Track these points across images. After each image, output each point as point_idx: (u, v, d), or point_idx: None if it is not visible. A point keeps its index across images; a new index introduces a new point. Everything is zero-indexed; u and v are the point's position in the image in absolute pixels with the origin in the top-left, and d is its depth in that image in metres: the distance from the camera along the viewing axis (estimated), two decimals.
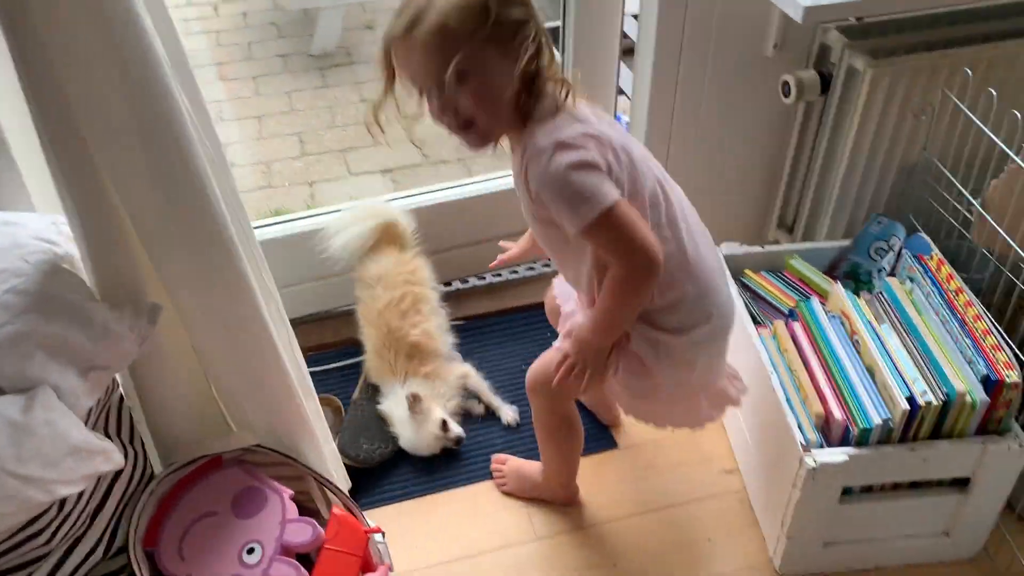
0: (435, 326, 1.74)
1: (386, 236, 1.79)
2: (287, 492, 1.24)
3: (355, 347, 1.84)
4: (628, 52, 1.83)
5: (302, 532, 1.19)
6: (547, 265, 2.10)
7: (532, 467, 1.59)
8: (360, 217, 1.78)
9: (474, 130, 1.13)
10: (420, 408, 1.60)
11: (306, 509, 1.34)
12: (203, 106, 1.16)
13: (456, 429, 1.64)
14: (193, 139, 1.04)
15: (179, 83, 1.04)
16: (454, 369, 1.72)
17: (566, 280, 1.36)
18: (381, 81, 1.14)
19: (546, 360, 1.37)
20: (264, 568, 1.16)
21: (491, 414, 1.74)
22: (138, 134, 1.00)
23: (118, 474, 1.16)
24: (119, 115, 0.98)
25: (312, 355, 1.85)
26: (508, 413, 1.71)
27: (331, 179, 2.78)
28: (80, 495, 1.07)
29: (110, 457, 1.04)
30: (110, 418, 1.18)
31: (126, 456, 1.17)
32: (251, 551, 1.18)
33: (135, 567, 1.12)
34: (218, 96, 3.18)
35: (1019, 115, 1.36)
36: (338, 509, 1.24)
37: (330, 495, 1.32)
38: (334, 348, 1.87)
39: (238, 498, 1.24)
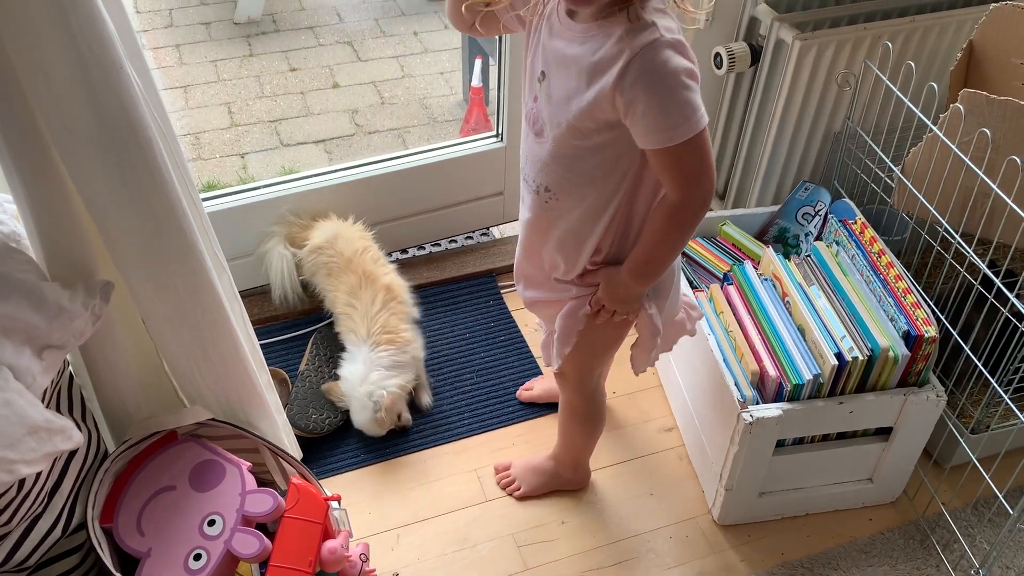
0: (400, 281, 1.78)
1: (299, 224, 1.85)
2: (245, 464, 1.25)
3: (302, 320, 1.85)
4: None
5: (263, 502, 1.21)
6: (485, 235, 2.13)
7: (539, 459, 1.59)
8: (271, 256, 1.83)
9: None
10: (383, 413, 1.60)
11: (261, 481, 1.36)
12: (150, 76, 1.14)
13: (407, 416, 1.67)
14: (144, 111, 1.03)
15: (126, 52, 1.02)
16: (414, 338, 1.73)
17: (540, 248, 1.22)
18: None
19: (574, 324, 1.25)
20: (226, 539, 1.17)
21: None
22: (88, 105, 0.97)
23: (74, 452, 1.16)
24: (67, 87, 0.96)
25: (258, 328, 1.84)
26: (425, 398, 1.73)
27: (263, 150, 2.75)
28: (38, 474, 1.07)
29: (69, 435, 1.04)
30: (62, 397, 1.17)
31: None
32: (212, 523, 1.19)
33: (95, 544, 1.12)
34: (144, 55, 3.09)
35: (935, 86, 1.44)
36: (297, 479, 1.26)
37: (286, 465, 1.34)
38: (275, 321, 1.87)
39: (196, 472, 1.24)
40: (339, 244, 1.75)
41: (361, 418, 1.62)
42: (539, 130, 1.11)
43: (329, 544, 1.22)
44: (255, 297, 1.89)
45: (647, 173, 1.10)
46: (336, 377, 1.66)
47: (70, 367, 1.22)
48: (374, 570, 1.35)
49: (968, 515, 1.57)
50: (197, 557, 1.17)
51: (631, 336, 1.33)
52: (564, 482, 1.60)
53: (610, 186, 1.10)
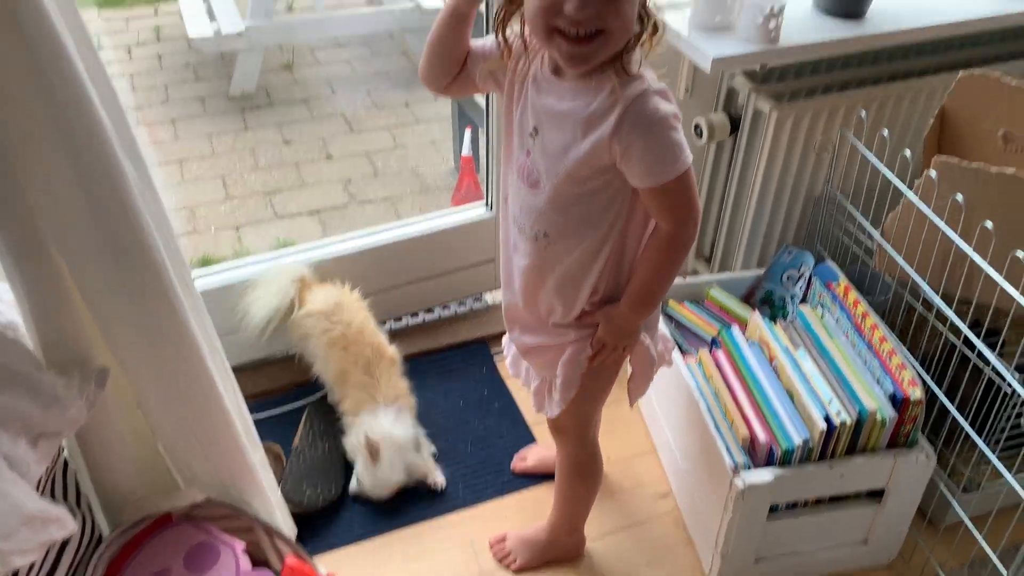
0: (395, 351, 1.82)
1: (306, 283, 1.84)
2: (240, 545, 1.26)
3: (292, 393, 1.86)
4: None
5: None
6: (478, 300, 2.16)
7: (534, 531, 1.60)
8: (272, 287, 1.82)
9: (596, 42, 1.03)
10: (379, 455, 1.63)
11: (255, 560, 1.36)
12: (143, 161, 1.17)
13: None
14: (137, 200, 1.06)
15: (115, 133, 1.04)
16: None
17: (538, 292, 1.25)
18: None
19: (576, 368, 1.29)
20: None
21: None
22: (82, 197, 1.00)
23: (68, 539, 1.16)
24: (62, 181, 0.99)
25: (249, 403, 1.85)
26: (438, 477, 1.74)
27: (257, 222, 2.79)
28: (32, 563, 1.07)
29: (64, 524, 1.04)
30: (56, 482, 1.18)
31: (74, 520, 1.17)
32: None
33: None
34: (137, 141, 3.14)
35: (909, 153, 1.48)
36: (291, 559, 1.27)
37: (280, 544, 1.34)
38: (271, 395, 1.88)
39: (190, 554, 1.25)
40: (345, 314, 1.76)
41: (392, 475, 1.65)
42: (534, 182, 1.16)
43: None
44: (250, 372, 1.91)
45: (636, 211, 1.17)
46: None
47: (65, 451, 1.23)
48: None
49: None
50: None
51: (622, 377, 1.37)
52: (560, 550, 1.59)
53: (605, 225, 1.17)
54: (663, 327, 1.51)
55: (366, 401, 1.70)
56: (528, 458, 1.75)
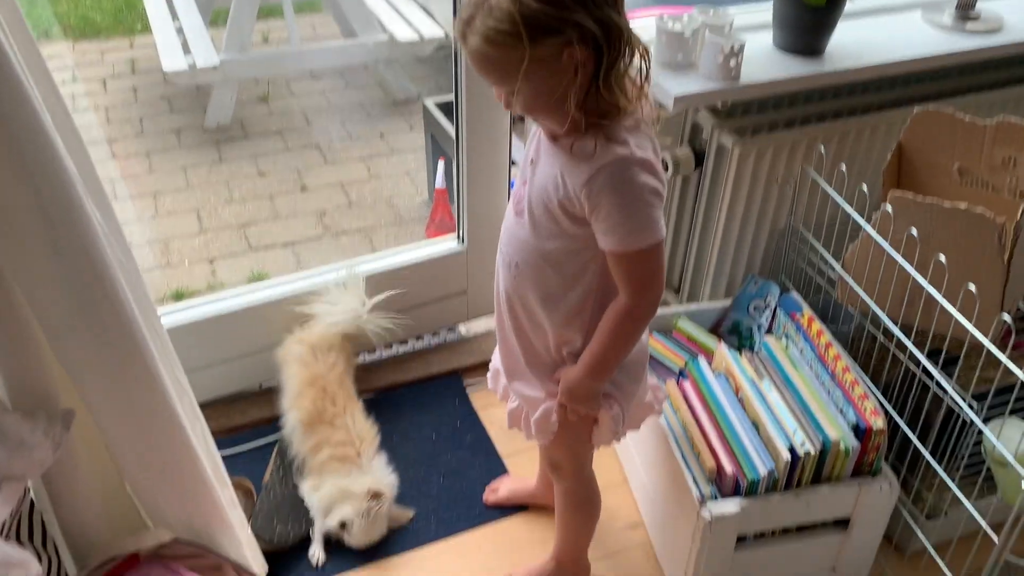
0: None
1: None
2: None
3: (265, 428, 1.87)
4: (521, 119, 1.94)
5: None
6: (451, 331, 2.17)
7: (539, 566, 1.59)
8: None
9: (540, 120, 1.12)
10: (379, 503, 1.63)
11: None
12: (103, 191, 1.16)
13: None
14: (102, 242, 1.07)
15: (79, 170, 1.05)
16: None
17: (516, 336, 1.29)
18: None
19: (548, 427, 1.33)
20: None
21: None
22: (46, 240, 1.01)
23: None
24: (26, 224, 1.00)
25: (220, 438, 1.85)
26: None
27: (232, 255, 2.79)
28: None
29: (28, 568, 1.04)
30: (22, 525, 1.18)
31: (40, 562, 1.16)
32: None
33: None
34: (111, 174, 3.15)
35: (866, 188, 1.52)
36: None
37: None
38: (243, 430, 1.88)
39: None
40: (332, 355, 1.80)
41: (382, 528, 1.66)
42: (520, 210, 1.20)
43: None
44: (222, 406, 1.91)
45: (612, 278, 1.17)
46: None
47: (31, 492, 1.23)
48: None
49: None
50: None
51: None
52: None
53: (571, 271, 1.18)
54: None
55: (348, 455, 1.69)
56: (500, 490, 1.76)
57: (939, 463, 1.47)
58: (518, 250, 1.21)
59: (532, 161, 1.18)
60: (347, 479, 1.64)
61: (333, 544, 1.66)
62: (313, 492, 1.65)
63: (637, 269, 1.12)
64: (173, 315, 1.84)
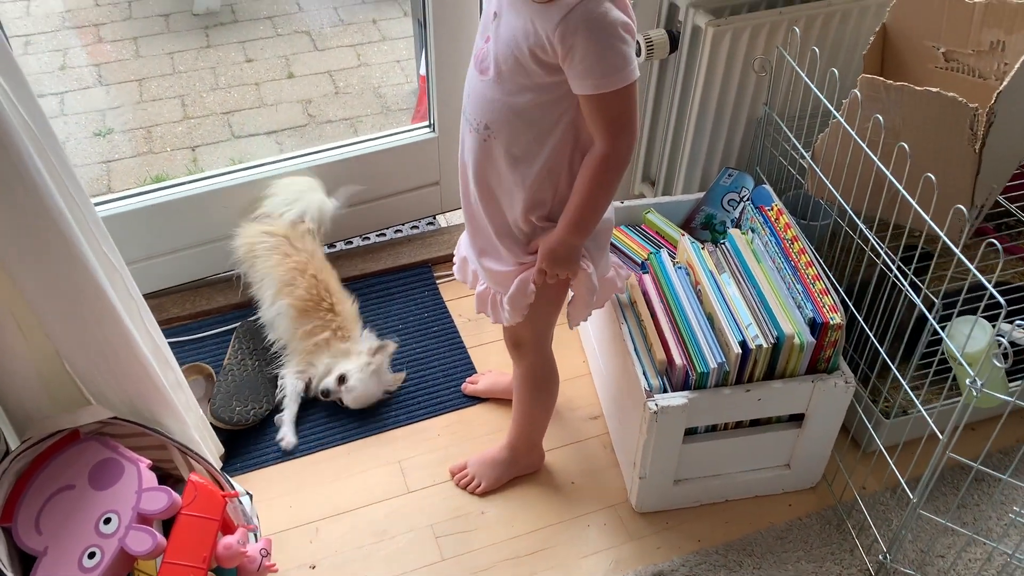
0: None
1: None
2: (144, 462, 1.27)
3: (229, 314, 1.86)
4: None
5: (157, 500, 1.22)
6: (431, 223, 2.13)
7: (493, 451, 1.60)
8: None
9: None
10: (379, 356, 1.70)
11: (172, 477, 1.37)
12: (23, 81, 1.13)
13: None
14: (10, 118, 1.03)
15: None
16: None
17: (485, 207, 1.26)
18: None
19: (523, 300, 1.31)
20: (120, 537, 1.19)
21: None
22: None
23: None
24: None
25: (185, 323, 1.86)
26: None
27: (214, 142, 2.74)
28: None
29: None
30: None
31: None
32: (108, 521, 1.21)
33: None
34: (97, 59, 3.08)
35: (836, 73, 1.43)
36: (196, 476, 1.27)
37: (193, 462, 1.35)
38: (207, 316, 1.88)
39: (95, 470, 1.26)
40: (308, 243, 1.79)
41: (360, 387, 1.69)
42: (484, 68, 1.16)
43: (225, 540, 1.24)
44: (185, 292, 1.90)
45: (585, 131, 1.14)
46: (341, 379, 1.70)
47: None
48: (274, 564, 1.36)
49: (886, 499, 1.57)
50: (91, 555, 1.18)
51: None
52: (522, 467, 1.61)
53: (544, 126, 1.15)
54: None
55: (347, 337, 1.73)
56: (479, 382, 1.76)
57: (907, 364, 1.43)
58: (486, 111, 1.17)
59: (495, 15, 1.13)
60: (346, 344, 1.71)
61: (293, 424, 1.68)
62: (300, 375, 1.71)
63: (613, 111, 1.09)
64: (151, 195, 1.82)
